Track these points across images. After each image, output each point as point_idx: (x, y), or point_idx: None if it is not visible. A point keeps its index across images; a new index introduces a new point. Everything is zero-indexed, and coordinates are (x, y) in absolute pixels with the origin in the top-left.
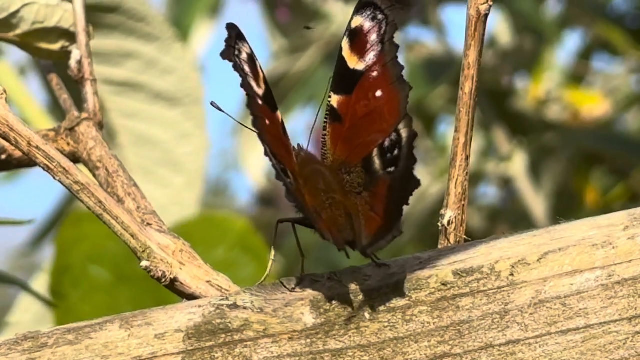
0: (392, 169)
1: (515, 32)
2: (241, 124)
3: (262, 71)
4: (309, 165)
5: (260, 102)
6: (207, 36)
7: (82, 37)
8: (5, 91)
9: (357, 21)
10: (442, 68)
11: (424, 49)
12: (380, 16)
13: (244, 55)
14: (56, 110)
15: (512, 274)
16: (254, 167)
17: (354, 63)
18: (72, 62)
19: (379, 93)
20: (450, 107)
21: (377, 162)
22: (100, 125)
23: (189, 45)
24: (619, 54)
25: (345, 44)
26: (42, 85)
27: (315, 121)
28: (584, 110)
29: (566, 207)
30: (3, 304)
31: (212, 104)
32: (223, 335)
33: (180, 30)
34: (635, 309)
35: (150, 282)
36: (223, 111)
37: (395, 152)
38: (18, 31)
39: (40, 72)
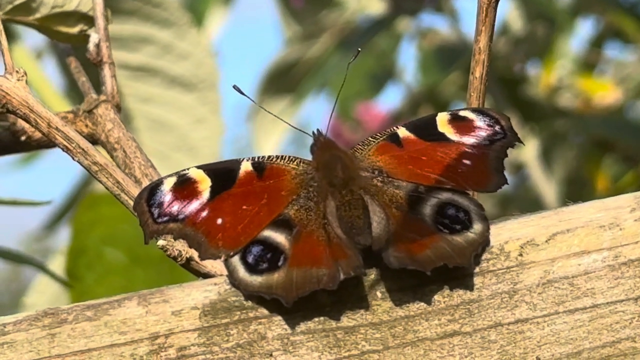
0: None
1: (528, 19)
2: (262, 107)
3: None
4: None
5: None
6: (222, 22)
7: (100, 21)
8: (25, 73)
9: (470, 115)
10: (455, 55)
11: (437, 36)
12: (498, 128)
13: (165, 208)
14: (72, 93)
15: (520, 254)
16: (269, 152)
17: (448, 132)
18: (91, 45)
19: (467, 162)
20: (462, 94)
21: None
22: (118, 108)
23: (203, 31)
24: (631, 41)
25: (445, 116)
26: (58, 69)
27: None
28: (595, 98)
29: (577, 194)
30: (17, 287)
31: (235, 87)
32: (238, 313)
33: (195, 15)
34: None
35: (164, 264)
36: (245, 94)
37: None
38: (37, 15)
39: (57, 55)
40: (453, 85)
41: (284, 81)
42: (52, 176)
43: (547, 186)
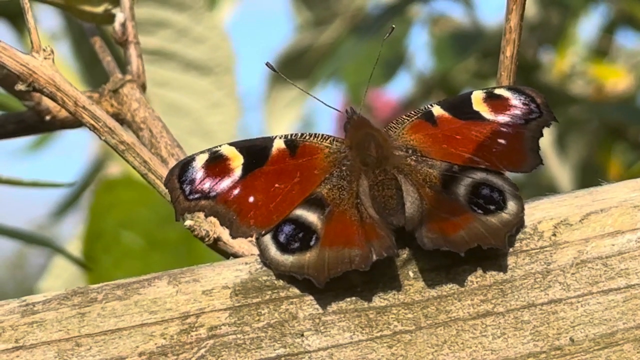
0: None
1: (542, 6)
2: (298, 86)
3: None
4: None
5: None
6: (233, 8)
7: (126, 0)
8: (52, 51)
9: (505, 93)
10: (469, 41)
11: (449, 22)
12: (533, 106)
13: (196, 185)
14: (87, 76)
15: (554, 234)
16: None
17: (483, 110)
18: (117, 25)
19: (502, 141)
20: (474, 81)
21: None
22: (144, 87)
23: (216, 15)
24: None
25: (480, 94)
26: (72, 53)
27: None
28: (607, 85)
29: (590, 180)
30: (22, 275)
31: (267, 64)
32: (269, 292)
33: (207, 2)
34: None
35: (182, 247)
36: (278, 72)
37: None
38: None
39: (71, 38)
40: (465, 72)
41: (296, 67)
42: (59, 165)
43: (561, 172)
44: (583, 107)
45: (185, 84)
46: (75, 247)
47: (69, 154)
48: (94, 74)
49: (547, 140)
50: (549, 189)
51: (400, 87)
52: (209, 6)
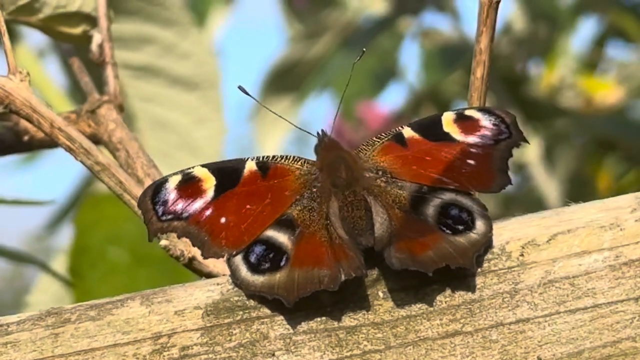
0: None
1: (530, 19)
2: (265, 107)
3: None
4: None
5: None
6: (224, 21)
7: (103, 22)
8: (28, 74)
9: (475, 114)
10: (457, 54)
11: (439, 35)
12: (503, 127)
13: (169, 206)
14: (75, 93)
15: (522, 255)
16: (271, 152)
17: (453, 131)
18: (94, 46)
19: (471, 162)
20: (464, 93)
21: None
22: (121, 108)
23: (205, 30)
24: (633, 41)
25: (450, 116)
26: (61, 68)
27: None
28: (597, 97)
29: (579, 193)
30: (20, 285)
31: (240, 87)
32: (241, 312)
33: (197, 15)
34: None
35: (168, 263)
36: (249, 94)
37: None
38: (41, 15)
39: (59, 55)
40: (455, 85)
41: (286, 80)
42: (53, 177)
43: (549, 186)
44: (572, 120)
45: (171, 100)
46: (62, 262)
47: (65, 165)
48: (82, 91)
49: (534, 153)
50: (537, 203)
51: (392, 100)
52: (199, 19)
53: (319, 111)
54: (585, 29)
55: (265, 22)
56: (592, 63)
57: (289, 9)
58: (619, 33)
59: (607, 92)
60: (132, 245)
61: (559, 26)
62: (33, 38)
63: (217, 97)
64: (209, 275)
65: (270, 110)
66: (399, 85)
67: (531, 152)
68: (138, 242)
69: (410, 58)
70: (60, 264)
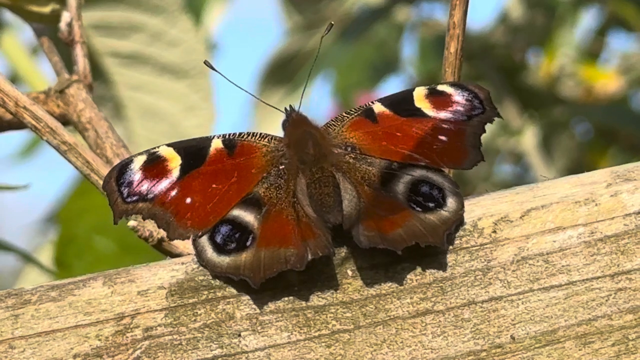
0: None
1: (527, 7)
2: (256, 97)
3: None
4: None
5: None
6: (222, 14)
7: (72, 0)
8: None
9: (448, 89)
10: None
11: (437, 25)
12: (476, 102)
13: (134, 187)
14: None
15: (494, 231)
16: None
17: (425, 107)
18: (62, 25)
19: (443, 138)
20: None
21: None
22: (90, 88)
23: (202, 24)
24: (634, 30)
25: (422, 91)
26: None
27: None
28: (597, 87)
29: None
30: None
31: (206, 62)
32: (206, 292)
33: (194, 8)
34: (617, 265)
35: (154, 253)
36: (217, 71)
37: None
38: None
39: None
40: None
41: (285, 72)
42: (52, 171)
43: (547, 175)
44: (571, 109)
45: (160, 88)
46: (48, 252)
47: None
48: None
49: (532, 142)
50: None
51: (393, 91)
52: (195, 12)
53: (322, 103)
54: (586, 18)
55: (264, 14)
56: (593, 52)
57: (287, 0)
58: (620, 22)
59: (607, 81)
60: (119, 234)
61: (557, 15)
62: (27, 34)
63: (207, 85)
64: (179, 256)
65: (262, 101)
66: (400, 77)
67: (528, 140)
68: (125, 232)
69: (412, 49)
70: (46, 255)
